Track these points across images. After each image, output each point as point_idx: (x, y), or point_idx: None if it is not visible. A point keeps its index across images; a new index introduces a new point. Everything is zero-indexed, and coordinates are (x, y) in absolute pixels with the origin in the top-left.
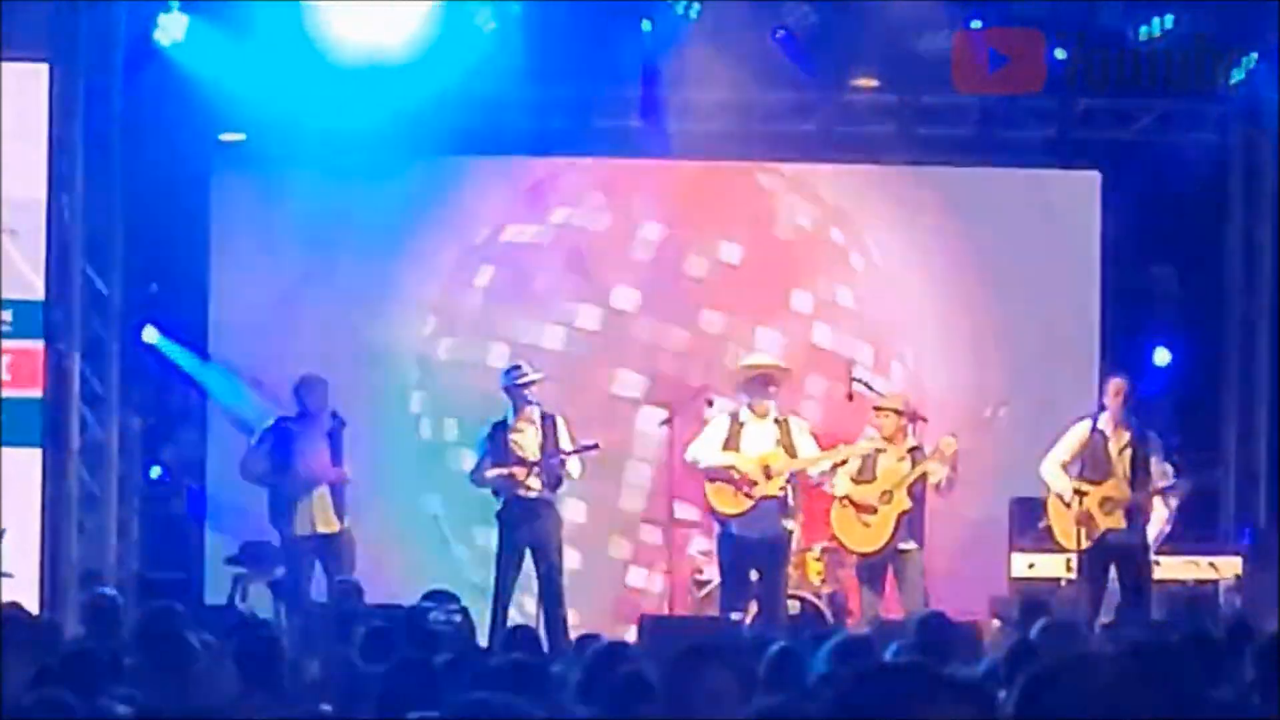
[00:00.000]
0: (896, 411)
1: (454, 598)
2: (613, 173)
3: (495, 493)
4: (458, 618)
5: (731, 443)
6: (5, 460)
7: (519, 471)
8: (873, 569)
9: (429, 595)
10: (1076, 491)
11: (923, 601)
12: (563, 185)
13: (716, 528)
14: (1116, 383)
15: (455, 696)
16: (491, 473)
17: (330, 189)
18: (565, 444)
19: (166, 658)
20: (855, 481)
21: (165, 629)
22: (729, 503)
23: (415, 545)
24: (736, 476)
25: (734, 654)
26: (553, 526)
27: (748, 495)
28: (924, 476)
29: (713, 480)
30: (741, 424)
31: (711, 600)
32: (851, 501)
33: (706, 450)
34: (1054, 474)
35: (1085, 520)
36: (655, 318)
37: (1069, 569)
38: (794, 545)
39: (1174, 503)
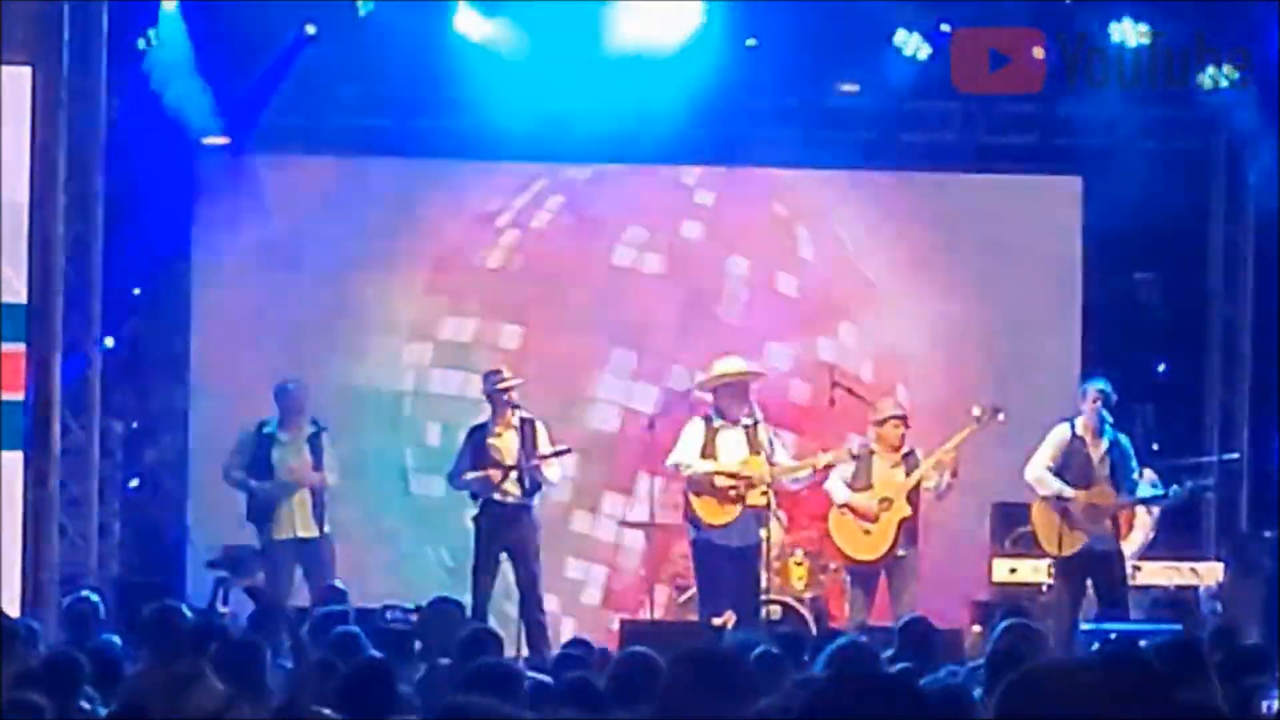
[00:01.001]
0: (898, 418)
1: (458, 605)
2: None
3: (474, 496)
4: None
5: (709, 449)
6: None
7: (495, 475)
8: (867, 575)
9: (436, 601)
10: (1058, 497)
11: (913, 606)
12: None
13: (691, 532)
14: (1094, 389)
15: (426, 700)
16: (469, 475)
17: (318, 191)
18: (545, 449)
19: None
20: (852, 489)
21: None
22: (716, 514)
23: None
24: (721, 487)
25: (718, 659)
26: (530, 531)
27: (732, 507)
28: (919, 483)
29: (699, 494)
30: (716, 429)
31: (692, 606)
32: (852, 509)
33: (689, 456)
34: (1043, 476)
35: (1069, 526)
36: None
37: (1050, 574)
38: (776, 549)
39: (1156, 511)
